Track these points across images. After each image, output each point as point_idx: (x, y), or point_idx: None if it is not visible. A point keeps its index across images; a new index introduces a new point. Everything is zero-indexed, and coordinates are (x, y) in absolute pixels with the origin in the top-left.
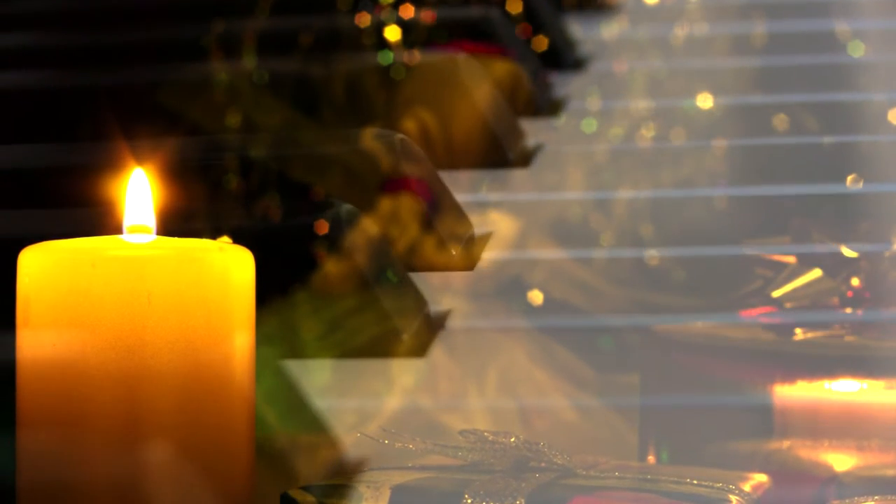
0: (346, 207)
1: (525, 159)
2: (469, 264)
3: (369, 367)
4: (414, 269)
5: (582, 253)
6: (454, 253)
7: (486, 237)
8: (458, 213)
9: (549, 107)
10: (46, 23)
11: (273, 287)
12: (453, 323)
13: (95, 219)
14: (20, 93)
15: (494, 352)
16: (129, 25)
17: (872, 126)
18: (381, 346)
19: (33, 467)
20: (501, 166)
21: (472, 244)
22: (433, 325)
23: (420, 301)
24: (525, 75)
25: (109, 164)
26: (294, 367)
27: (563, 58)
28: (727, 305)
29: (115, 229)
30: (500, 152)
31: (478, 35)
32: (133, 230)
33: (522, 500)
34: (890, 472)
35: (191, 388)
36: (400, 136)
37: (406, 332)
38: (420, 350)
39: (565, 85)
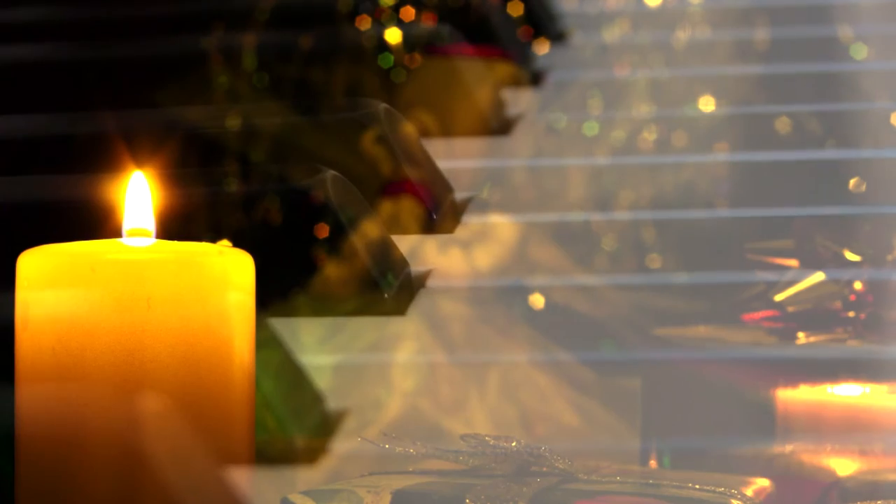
0: (332, 175)
1: (506, 127)
2: (450, 228)
3: (370, 370)
4: (395, 233)
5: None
6: (435, 217)
7: (466, 201)
8: (441, 179)
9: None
10: (45, 24)
11: (273, 290)
12: (454, 327)
13: (95, 222)
14: (19, 93)
15: (495, 355)
16: (128, 27)
17: (875, 129)
18: (364, 306)
19: (34, 473)
20: (483, 135)
21: (453, 209)
22: (414, 285)
23: (401, 262)
24: (526, 77)
25: (109, 167)
26: (294, 370)
27: (546, 30)
28: (729, 309)
29: (115, 233)
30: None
31: (479, 37)
32: (133, 233)
33: None
34: (893, 477)
35: (190, 392)
36: (384, 105)
37: (388, 291)
38: (401, 308)
39: (549, 57)
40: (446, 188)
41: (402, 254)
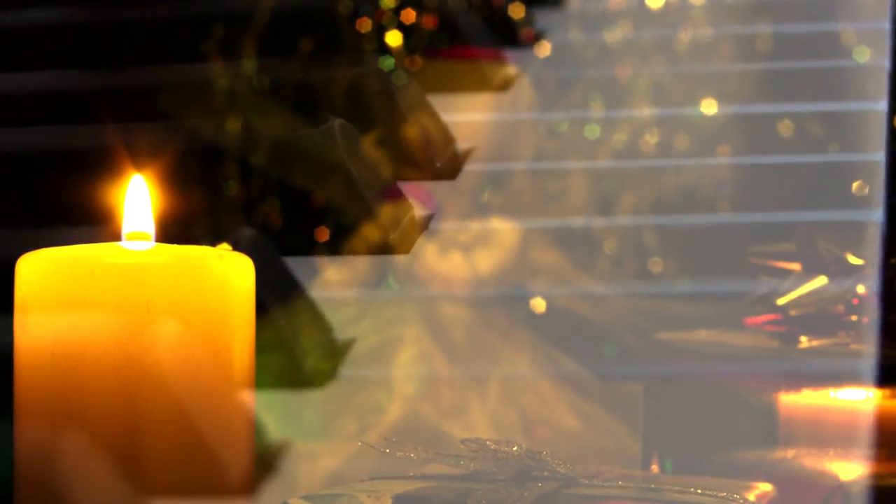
0: (340, 122)
1: (506, 84)
2: (452, 174)
3: (371, 374)
4: (402, 179)
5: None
6: (438, 166)
7: (468, 151)
8: (443, 128)
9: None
10: (45, 25)
11: (273, 294)
12: (455, 331)
13: (94, 225)
14: (19, 96)
15: (496, 359)
16: (128, 29)
17: (879, 129)
18: (372, 245)
19: (32, 473)
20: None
21: (455, 156)
22: (418, 226)
23: (406, 206)
24: (527, 78)
25: (109, 170)
26: (294, 374)
27: None
28: (732, 313)
29: (114, 236)
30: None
31: (479, 39)
32: (132, 237)
33: None
34: (895, 481)
35: (190, 397)
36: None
37: (393, 231)
38: (406, 247)
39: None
40: (448, 139)
41: (408, 199)
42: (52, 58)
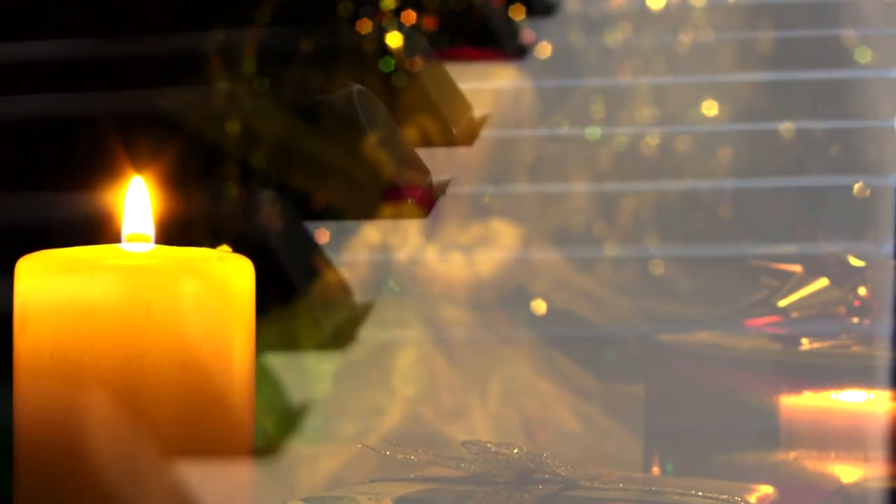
0: (358, 88)
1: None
2: (469, 140)
3: (371, 376)
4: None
5: (584, 253)
6: (454, 131)
7: (484, 118)
8: (458, 94)
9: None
10: (44, 32)
11: (274, 296)
12: (455, 332)
13: (94, 227)
14: (18, 101)
15: (497, 362)
16: (127, 32)
17: (880, 132)
18: (387, 209)
19: (33, 480)
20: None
21: (471, 123)
22: (436, 191)
23: (424, 170)
24: (528, 80)
25: (108, 172)
26: (295, 376)
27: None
28: (733, 315)
29: (114, 238)
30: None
31: (480, 40)
32: (132, 239)
33: None
34: None
35: (190, 399)
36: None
37: (411, 196)
38: (423, 212)
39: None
40: (465, 107)
41: (423, 163)
42: (52, 58)
